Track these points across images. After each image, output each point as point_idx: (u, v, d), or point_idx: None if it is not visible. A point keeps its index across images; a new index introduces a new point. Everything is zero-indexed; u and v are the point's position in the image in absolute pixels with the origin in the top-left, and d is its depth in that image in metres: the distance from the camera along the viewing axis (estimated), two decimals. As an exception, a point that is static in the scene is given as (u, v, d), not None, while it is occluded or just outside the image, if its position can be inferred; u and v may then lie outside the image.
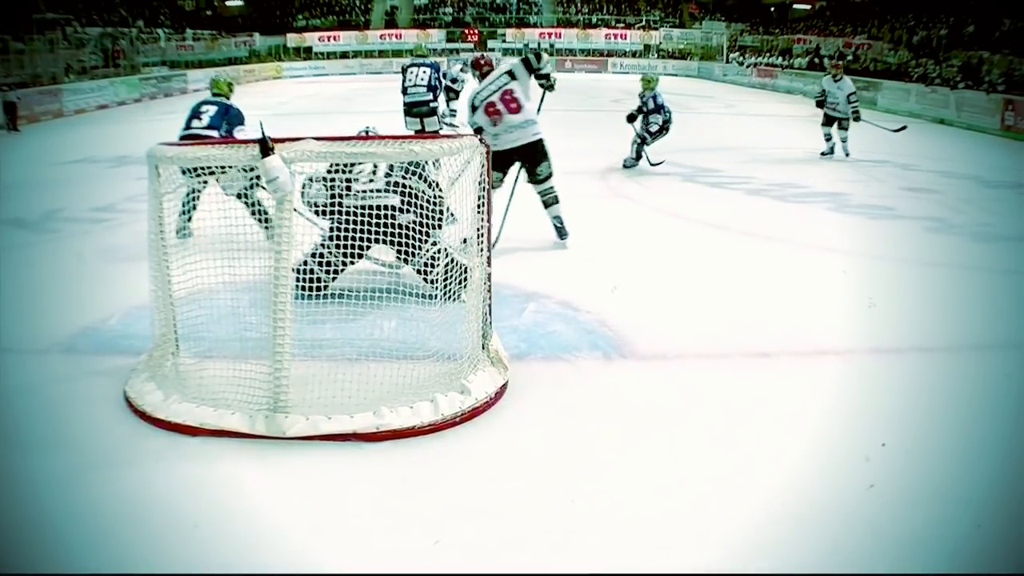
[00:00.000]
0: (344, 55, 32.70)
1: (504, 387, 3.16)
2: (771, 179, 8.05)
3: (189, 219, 4.78)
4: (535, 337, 3.71)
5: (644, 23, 34.11)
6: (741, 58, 28.33)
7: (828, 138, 9.49)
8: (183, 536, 2.26)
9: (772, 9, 33.46)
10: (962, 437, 2.87)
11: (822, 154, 9.51)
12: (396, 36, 33.30)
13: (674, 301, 4.30)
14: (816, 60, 22.65)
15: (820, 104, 9.53)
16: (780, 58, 26.09)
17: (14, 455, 2.68)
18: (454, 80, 11.50)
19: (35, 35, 17.84)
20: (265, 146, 2.82)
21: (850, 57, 21.80)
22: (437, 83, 7.92)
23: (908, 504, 2.43)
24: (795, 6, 32.14)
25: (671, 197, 7.07)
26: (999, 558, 2.23)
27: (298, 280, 3.45)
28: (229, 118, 5.50)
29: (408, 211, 3.65)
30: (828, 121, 9.48)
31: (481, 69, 5.22)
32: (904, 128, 9.94)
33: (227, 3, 34.26)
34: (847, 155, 9.30)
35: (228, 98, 5.71)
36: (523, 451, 2.76)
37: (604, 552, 2.22)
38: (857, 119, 9.19)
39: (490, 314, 3.36)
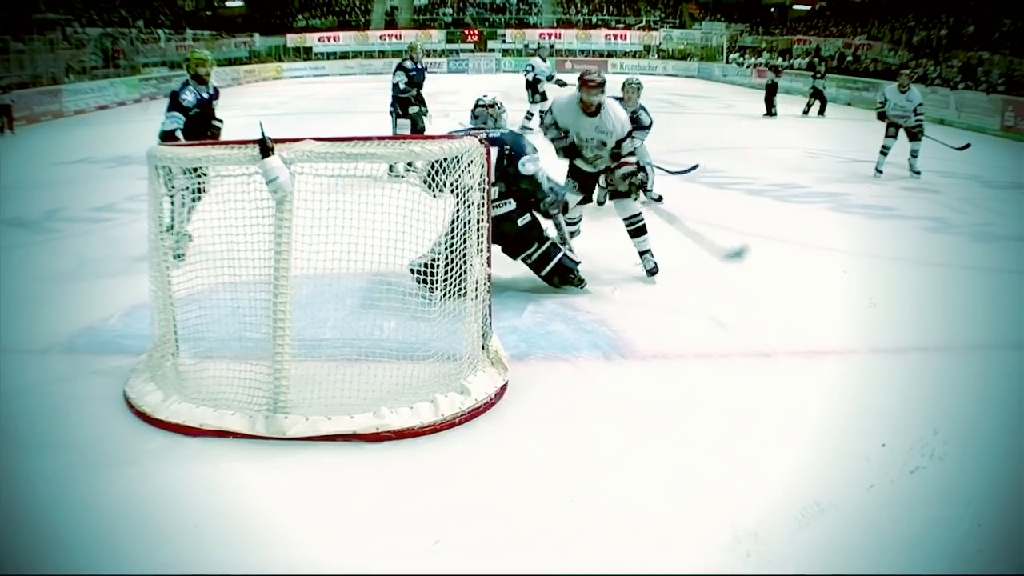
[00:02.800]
0: (344, 55, 32.69)
1: (504, 387, 3.16)
2: (771, 179, 8.05)
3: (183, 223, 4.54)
4: (535, 337, 3.71)
5: (644, 23, 34.11)
6: (741, 58, 28.32)
7: (885, 151, 8.22)
8: (183, 536, 2.26)
9: (772, 9, 33.46)
10: (962, 437, 2.86)
11: (877, 171, 8.26)
12: (396, 36, 33.28)
13: (674, 301, 4.30)
14: (816, 60, 22.60)
15: (881, 116, 8.30)
16: (780, 58, 26.08)
17: (14, 455, 2.68)
18: (549, 77, 11.19)
19: (35, 35, 17.85)
20: (265, 146, 2.82)
21: (850, 57, 21.80)
22: (394, 85, 7.83)
23: (908, 504, 2.43)
24: (795, 6, 32.13)
25: (671, 197, 7.06)
26: (999, 558, 2.23)
27: (421, 278, 3.43)
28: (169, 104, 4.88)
29: (524, 213, 4.22)
30: (894, 131, 8.20)
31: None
32: (968, 146, 8.64)
33: (227, 3, 34.25)
34: (918, 173, 8.10)
35: (194, 78, 4.98)
36: (523, 451, 2.76)
37: (604, 552, 2.22)
38: (921, 134, 8.09)
39: (490, 314, 3.36)
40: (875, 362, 3.59)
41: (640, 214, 4.63)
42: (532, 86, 11.16)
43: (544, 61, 11.45)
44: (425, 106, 8.06)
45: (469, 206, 3.18)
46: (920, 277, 4.90)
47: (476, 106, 4.29)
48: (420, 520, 2.35)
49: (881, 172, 8.22)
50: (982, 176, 8.35)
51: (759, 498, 2.47)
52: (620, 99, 5.87)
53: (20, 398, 3.11)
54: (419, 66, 7.98)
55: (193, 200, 4.52)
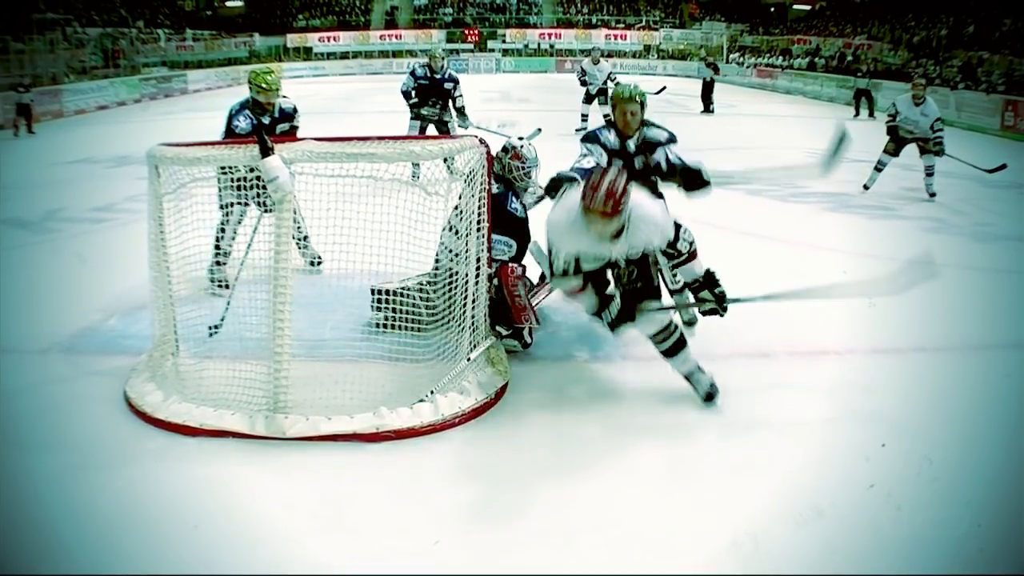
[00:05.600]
0: (344, 55, 32.67)
1: (504, 388, 3.16)
2: (771, 179, 8.04)
3: (224, 262, 3.91)
4: (535, 337, 3.71)
5: (644, 23, 34.10)
6: (741, 58, 28.33)
7: (880, 168, 7.40)
8: (183, 536, 2.26)
9: (772, 9, 33.44)
10: (962, 437, 2.87)
11: (865, 187, 7.47)
12: (396, 36, 33.29)
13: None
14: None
15: (892, 130, 7.30)
16: (780, 58, 26.09)
17: (14, 455, 2.68)
18: (604, 83, 11.03)
19: (35, 35, 17.82)
20: (265, 146, 2.82)
21: (850, 57, 21.79)
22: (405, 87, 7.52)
23: (908, 504, 2.43)
24: (795, 6, 32.11)
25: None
26: (999, 558, 2.23)
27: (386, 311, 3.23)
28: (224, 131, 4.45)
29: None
30: (896, 148, 7.30)
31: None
32: (1004, 167, 7.52)
33: (227, 3, 34.25)
34: (933, 195, 7.17)
35: (254, 103, 4.49)
36: (523, 451, 2.76)
37: (604, 552, 2.22)
38: (941, 153, 7.12)
39: (490, 315, 3.36)
40: (875, 362, 3.59)
41: (671, 325, 3.03)
42: (585, 87, 11.26)
43: (595, 63, 11.16)
44: (464, 117, 7.40)
45: (468, 206, 3.18)
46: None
47: (501, 148, 3.61)
48: (420, 520, 2.35)
49: (868, 188, 7.42)
50: (982, 176, 8.34)
51: (759, 498, 2.47)
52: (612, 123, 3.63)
53: (20, 398, 3.11)
54: (438, 76, 7.34)
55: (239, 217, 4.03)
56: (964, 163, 7.44)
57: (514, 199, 3.55)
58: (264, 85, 4.41)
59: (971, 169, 8.31)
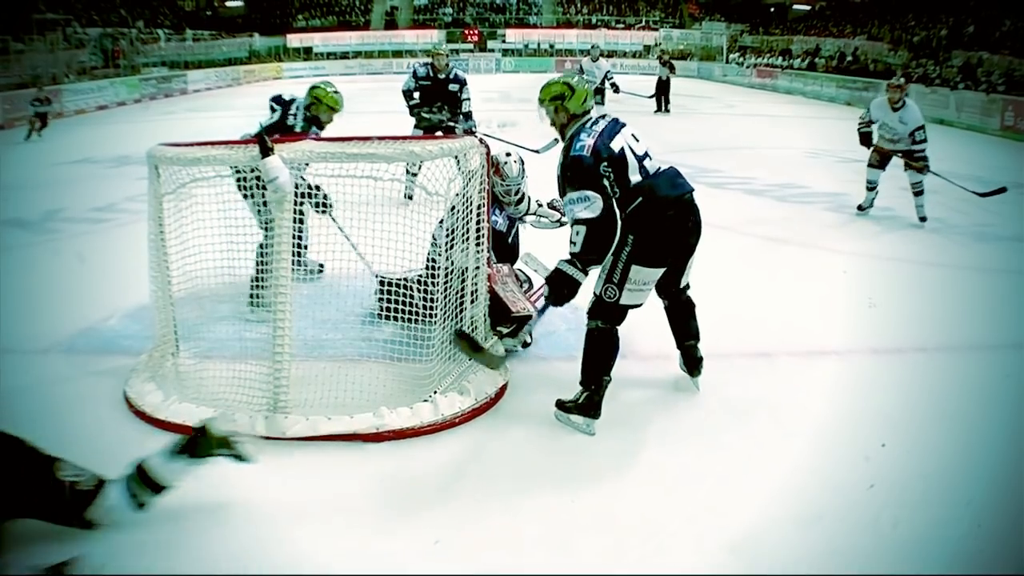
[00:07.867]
0: (344, 55, 32.68)
1: (504, 387, 3.16)
2: (771, 179, 8.05)
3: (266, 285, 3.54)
4: (535, 337, 3.71)
5: (644, 23, 34.11)
6: (741, 58, 28.32)
7: (872, 186, 6.44)
8: (183, 536, 2.26)
9: (772, 9, 33.45)
10: (962, 437, 2.87)
11: (859, 208, 6.55)
12: (396, 37, 33.31)
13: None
14: (815, 61, 22.57)
15: (865, 139, 6.40)
16: (780, 58, 26.09)
17: (14, 455, 2.68)
18: (602, 82, 10.90)
19: (35, 35, 17.84)
20: (265, 146, 2.82)
21: (850, 57, 21.80)
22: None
23: (908, 504, 2.44)
24: (795, 6, 32.12)
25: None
26: (999, 558, 2.24)
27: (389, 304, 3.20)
28: None
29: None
30: (881, 160, 6.32)
31: None
32: (1003, 190, 6.40)
33: (227, 3, 34.27)
34: (923, 219, 6.15)
35: (313, 119, 4.14)
36: (523, 451, 2.76)
37: (604, 552, 2.22)
38: (925, 170, 6.08)
39: (489, 315, 3.35)
40: (875, 362, 3.59)
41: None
42: None
43: (595, 61, 10.96)
44: (469, 122, 6.75)
45: (468, 208, 3.17)
46: (920, 277, 4.90)
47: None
48: (420, 520, 2.35)
49: (863, 209, 6.54)
50: (982, 176, 8.33)
51: (759, 498, 2.47)
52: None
53: (20, 398, 3.11)
54: (442, 76, 6.70)
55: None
56: (955, 184, 6.44)
57: (496, 211, 3.57)
58: (338, 107, 4.09)
59: (971, 168, 8.31)
